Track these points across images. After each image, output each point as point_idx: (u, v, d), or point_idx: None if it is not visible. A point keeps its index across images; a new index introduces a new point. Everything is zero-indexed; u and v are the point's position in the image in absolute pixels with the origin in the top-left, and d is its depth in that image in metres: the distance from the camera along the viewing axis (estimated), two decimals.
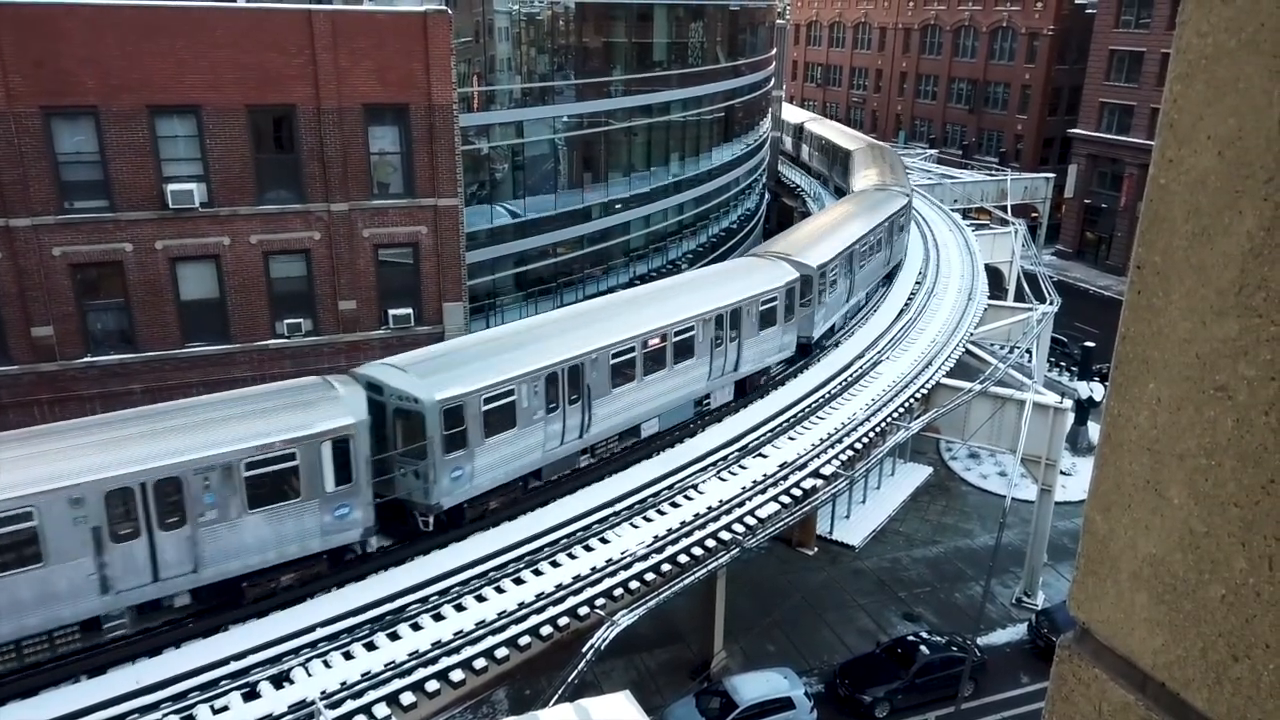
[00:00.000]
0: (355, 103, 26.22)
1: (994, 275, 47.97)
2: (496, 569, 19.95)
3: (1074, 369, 48.40)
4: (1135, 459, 1.59)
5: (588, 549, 20.93)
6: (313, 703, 15.97)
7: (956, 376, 32.01)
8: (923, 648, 27.27)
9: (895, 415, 28.45)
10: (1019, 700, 27.28)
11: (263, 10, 26.76)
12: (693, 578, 20.90)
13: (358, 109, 26.32)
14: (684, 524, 21.92)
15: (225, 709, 15.91)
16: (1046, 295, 42.41)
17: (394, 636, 17.86)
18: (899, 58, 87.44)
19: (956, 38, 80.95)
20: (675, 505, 22.82)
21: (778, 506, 23.20)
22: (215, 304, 26.25)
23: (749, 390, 28.78)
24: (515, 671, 18.40)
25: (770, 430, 26.61)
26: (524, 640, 18.15)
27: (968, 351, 34.79)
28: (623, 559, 20.49)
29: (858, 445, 26.53)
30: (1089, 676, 1.66)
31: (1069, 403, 31.98)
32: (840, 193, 53.63)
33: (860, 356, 32.20)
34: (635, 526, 21.87)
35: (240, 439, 17.73)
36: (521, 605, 18.85)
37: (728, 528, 22.07)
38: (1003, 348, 37.48)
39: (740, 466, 24.74)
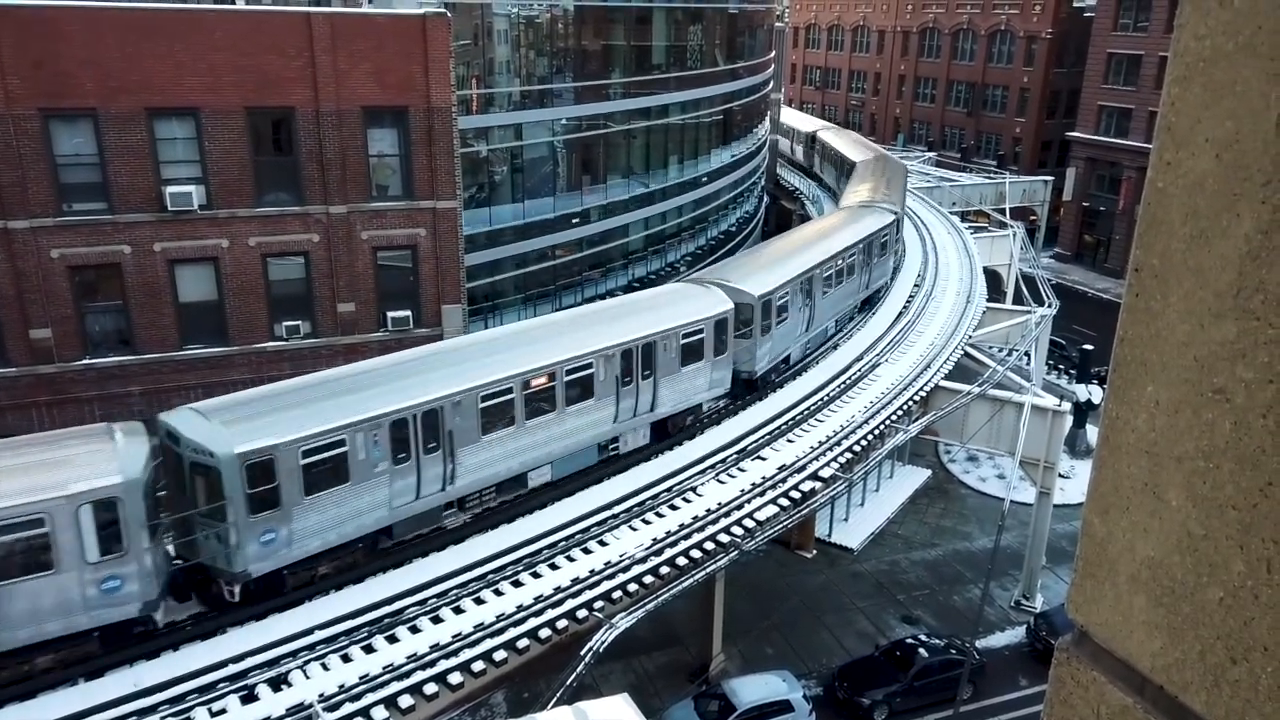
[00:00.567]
0: (354, 105, 26.22)
1: (992, 278, 48.00)
2: (494, 572, 19.93)
3: (1072, 372, 48.43)
4: (1133, 461, 1.59)
5: (586, 552, 20.91)
6: (311, 705, 15.95)
7: (955, 379, 32.02)
8: (921, 650, 27.26)
9: (893, 418, 28.45)
10: (1018, 703, 27.27)
11: (261, 12, 26.78)
12: (691, 580, 20.88)
13: (356, 111, 26.32)
14: (682, 527, 21.90)
15: (223, 712, 15.89)
16: (1045, 298, 42.43)
17: (392, 639, 17.83)
18: (897, 60, 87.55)
19: (955, 40, 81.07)
20: (674, 508, 22.80)
21: (776, 509, 23.19)
22: (213, 306, 26.23)
23: (672, 432, 25.86)
24: (513, 674, 18.38)
25: (768, 433, 26.60)
26: (522, 643, 18.13)
27: (966, 354, 34.81)
28: (621, 562, 20.47)
29: (856, 448, 26.52)
30: (1087, 679, 1.66)
31: (1067, 405, 31.99)
32: None
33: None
34: (634, 529, 21.85)
35: None
36: (520, 608, 18.83)
37: (726, 530, 22.06)
38: (1001, 350, 37.52)
39: (739, 469, 24.73)
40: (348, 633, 17.82)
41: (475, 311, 32.55)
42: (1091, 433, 40.82)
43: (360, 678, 16.73)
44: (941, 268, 44.18)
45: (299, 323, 26.99)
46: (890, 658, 27.25)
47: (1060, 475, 32.98)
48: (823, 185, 62.53)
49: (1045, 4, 73.04)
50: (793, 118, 76.18)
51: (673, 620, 27.84)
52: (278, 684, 16.54)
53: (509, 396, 21.39)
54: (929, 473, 39.72)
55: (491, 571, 19.94)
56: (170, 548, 17.94)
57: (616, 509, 22.61)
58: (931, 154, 78.21)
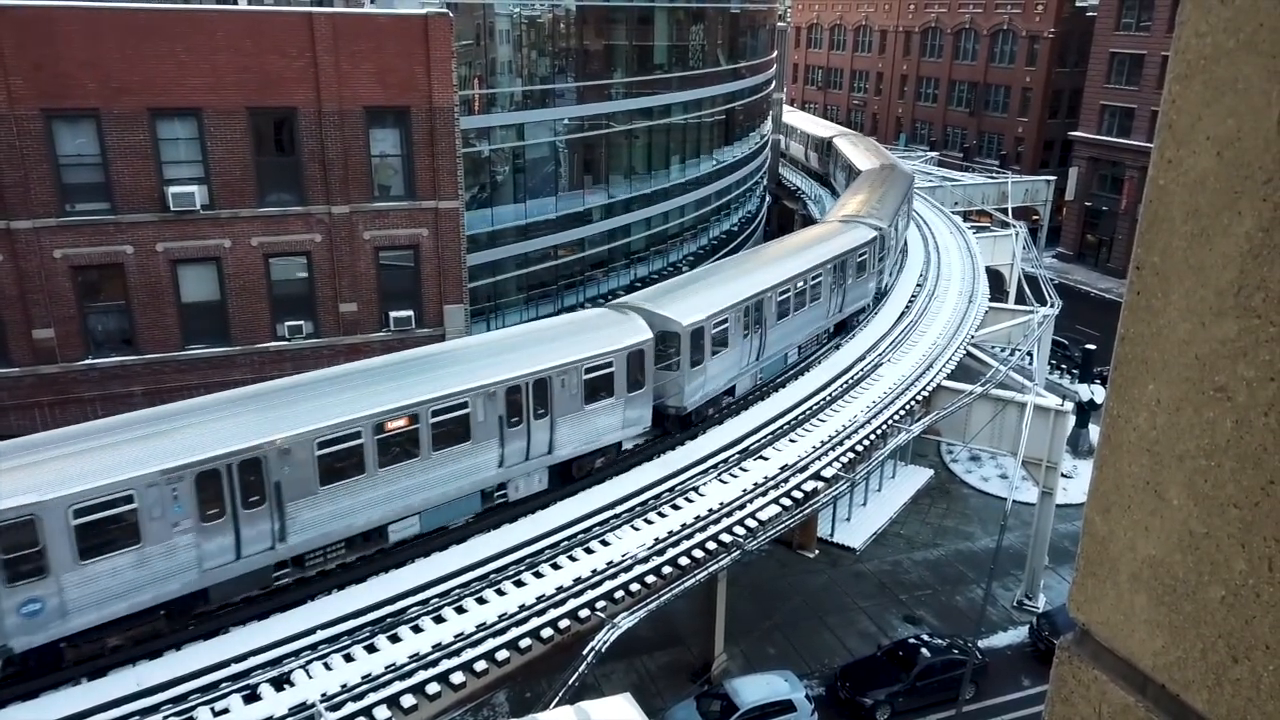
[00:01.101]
0: (356, 105, 26.24)
1: (995, 278, 47.96)
2: (497, 571, 19.94)
3: (1075, 372, 48.39)
4: (1135, 460, 1.58)
5: (589, 551, 20.91)
6: (313, 705, 15.97)
7: (958, 379, 32.01)
8: (924, 650, 27.25)
9: (895, 418, 28.44)
10: (1020, 703, 27.25)
11: (263, 13, 26.80)
12: (693, 580, 20.88)
13: (359, 111, 26.34)
14: (684, 526, 21.90)
15: (226, 711, 15.90)
16: (1047, 298, 42.40)
17: (394, 639, 17.85)
18: (900, 60, 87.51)
19: (957, 40, 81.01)
20: (676, 508, 22.80)
21: (778, 509, 23.18)
22: (216, 306, 26.26)
23: (578, 476, 23.42)
24: (516, 674, 18.39)
25: (771, 433, 26.59)
26: (524, 643, 18.13)
27: (969, 354, 34.79)
28: (623, 561, 20.47)
29: (858, 448, 26.50)
30: (1089, 678, 1.66)
31: (1070, 405, 31.98)
32: None
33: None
34: (636, 529, 21.85)
35: None
36: (522, 608, 18.83)
37: (728, 530, 22.06)
38: (1004, 350, 37.49)
39: (741, 469, 24.72)
40: (350, 632, 17.84)
41: (477, 312, 32.57)
42: (1094, 433, 40.79)
43: (363, 677, 16.75)
44: (944, 267, 44.16)
45: (301, 323, 27.02)
46: (892, 658, 27.24)
47: (1063, 475, 32.96)
48: (836, 195, 58.53)
49: (1047, 4, 72.97)
50: (806, 122, 72.50)
51: (675, 620, 27.85)
52: (280, 683, 16.56)
53: (356, 442, 18.75)
54: (931, 473, 39.70)
55: (494, 571, 19.95)
56: None
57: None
58: (934, 154, 78.14)
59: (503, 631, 18.19)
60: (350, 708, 16.10)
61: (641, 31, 40.68)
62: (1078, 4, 72.47)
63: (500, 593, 19.33)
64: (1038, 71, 73.62)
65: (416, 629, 18.17)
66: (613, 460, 24.15)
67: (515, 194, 36.09)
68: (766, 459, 25.24)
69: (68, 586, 15.71)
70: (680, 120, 43.37)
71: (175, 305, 25.75)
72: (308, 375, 20.79)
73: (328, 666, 17.03)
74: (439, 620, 18.43)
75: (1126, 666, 1.61)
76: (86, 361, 25.09)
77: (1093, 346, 46.44)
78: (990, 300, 40.37)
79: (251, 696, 16.25)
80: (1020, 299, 46.74)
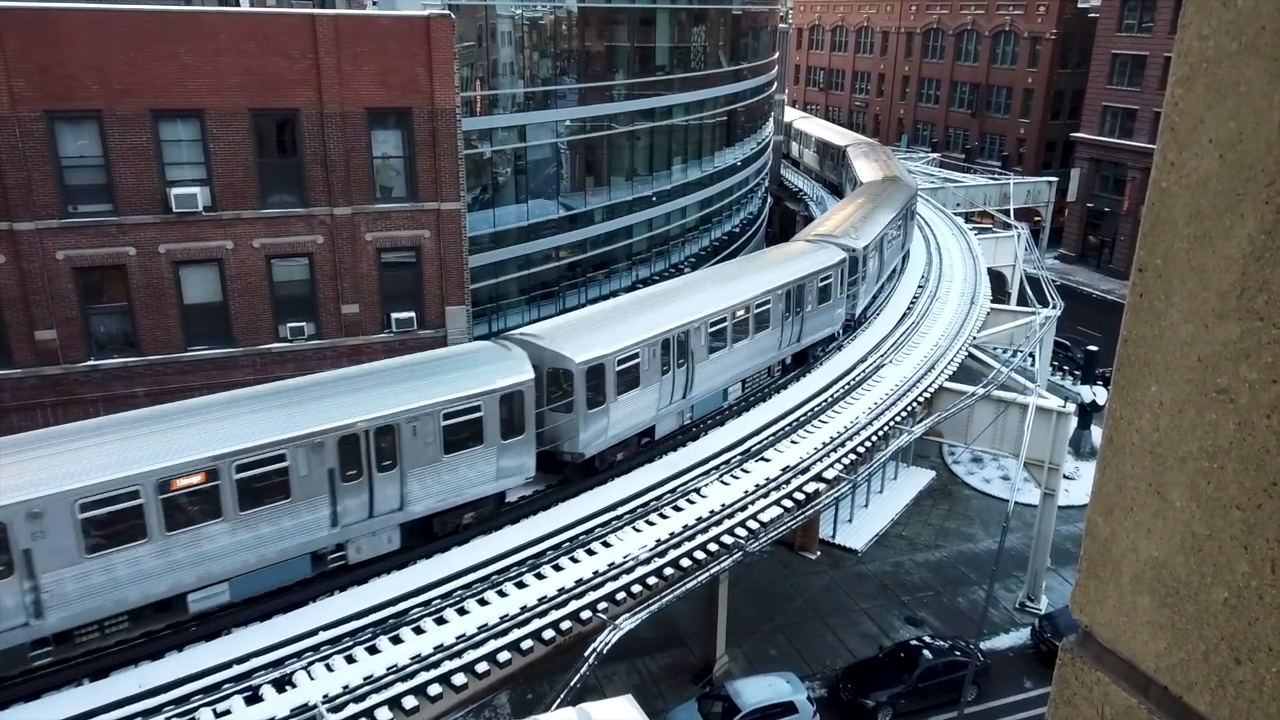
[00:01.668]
0: (358, 107, 26.27)
1: (997, 279, 47.93)
2: (499, 573, 19.94)
3: (1077, 373, 48.36)
4: (1137, 462, 1.58)
5: (590, 553, 20.91)
6: (315, 706, 15.97)
7: (959, 380, 31.99)
8: (925, 652, 27.23)
9: (897, 420, 28.43)
10: (1022, 705, 27.21)
11: (266, 15, 26.85)
12: (695, 582, 20.87)
13: (360, 113, 26.37)
14: (686, 528, 21.90)
15: (227, 713, 15.91)
16: (1049, 299, 42.38)
17: (396, 640, 17.85)
18: (901, 62, 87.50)
19: (959, 41, 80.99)
20: (677, 509, 22.80)
21: (780, 510, 23.18)
22: (218, 308, 26.28)
23: (440, 533, 20.80)
24: (517, 675, 18.38)
25: (772, 435, 26.58)
26: (526, 644, 18.14)
27: (971, 355, 34.77)
28: (625, 563, 20.47)
29: (860, 449, 26.49)
30: (1091, 680, 1.66)
31: (1072, 407, 31.95)
32: None
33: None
34: (637, 530, 21.85)
35: None
36: (524, 609, 18.83)
37: (730, 532, 22.05)
38: (1006, 352, 37.46)
39: (743, 470, 24.71)
40: (352, 634, 17.85)
41: (479, 313, 32.58)
42: (1096, 434, 40.75)
43: (364, 679, 16.75)
44: (946, 269, 44.15)
45: (303, 324, 27.03)
46: (894, 659, 27.21)
47: (1065, 476, 32.95)
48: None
49: (1049, 5, 72.95)
50: (822, 129, 68.01)
51: (676, 621, 27.84)
52: (282, 685, 16.57)
53: (135, 503, 16.27)
54: (933, 474, 39.67)
55: (496, 573, 19.95)
56: None
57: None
58: (935, 155, 78.13)
59: (504, 633, 18.19)
60: (352, 709, 16.11)
61: (643, 33, 40.70)
62: (1079, 5, 72.46)
63: (502, 594, 19.34)
64: (1039, 73, 73.60)
65: (418, 630, 18.18)
66: (491, 514, 21.48)
67: (517, 195, 36.11)
68: (768, 460, 25.23)
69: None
70: (682, 122, 43.37)
71: (177, 307, 25.78)
72: (74, 425, 17.82)
73: (329, 668, 17.04)
74: (441, 622, 18.44)
75: (1129, 668, 1.61)
76: (89, 363, 25.12)
77: (1095, 348, 46.41)
78: (992, 301, 40.35)
79: (253, 698, 16.26)
80: (1022, 300, 46.70)
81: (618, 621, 18.89)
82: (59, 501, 15.55)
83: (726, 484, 24.00)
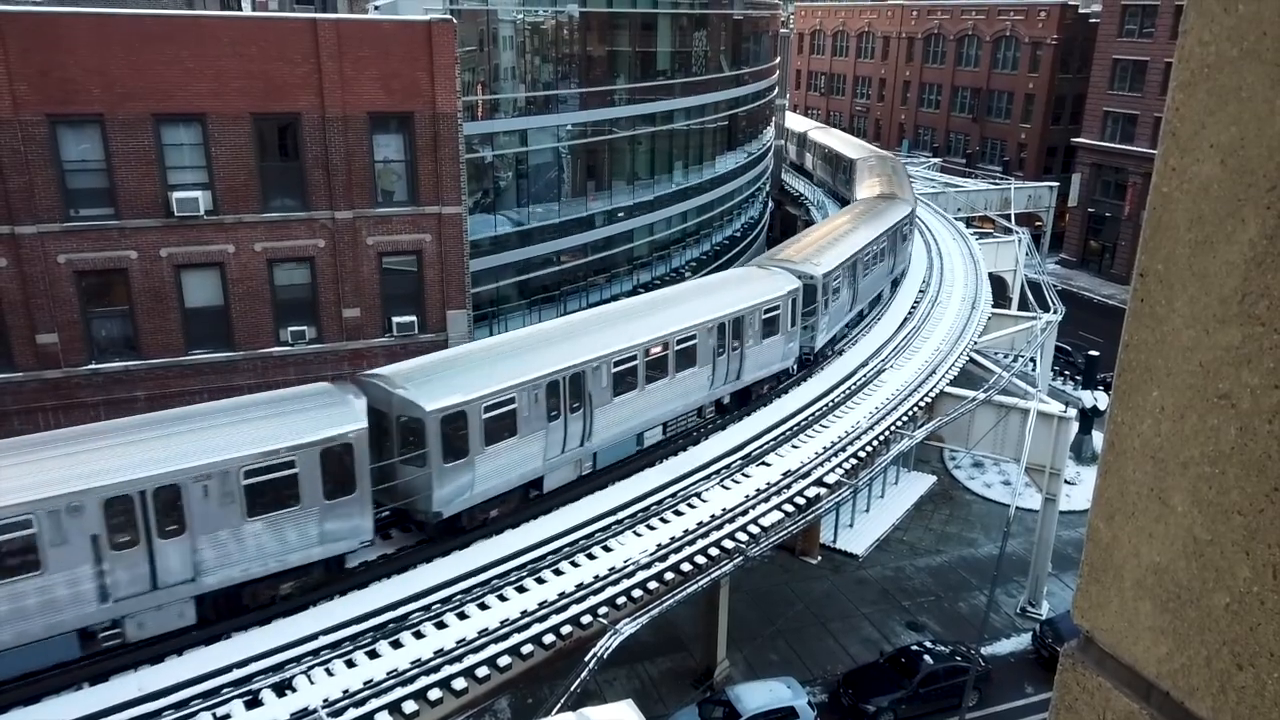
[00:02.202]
0: (360, 111, 26.31)
1: (998, 284, 47.94)
2: (499, 577, 19.92)
3: (1078, 378, 48.36)
4: (1139, 467, 1.58)
5: (590, 557, 20.90)
6: (315, 711, 15.95)
7: (960, 385, 31.97)
8: (926, 657, 27.18)
9: (898, 424, 28.41)
10: (1023, 711, 27.17)
11: (268, 19, 26.92)
12: (695, 586, 20.85)
13: (362, 117, 26.41)
14: (687, 532, 21.88)
15: (227, 717, 15.89)
16: (1050, 304, 42.39)
17: (396, 644, 17.83)
18: (902, 66, 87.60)
19: (960, 46, 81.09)
20: (678, 514, 22.78)
21: (781, 515, 23.16)
22: (219, 311, 26.30)
23: (250, 605, 18.29)
24: (518, 680, 18.36)
25: (773, 439, 26.56)
26: (526, 648, 18.11)
27: (972, 360, 34.76)
28: (625, 567, 20.45)
29: (861, 454, 26.47)
30: (1093, 685, 1.66)
31: (1073, 412, 31.94)
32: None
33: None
34: (638, 535, 21.83)
35: None
36: (524, 613, 18.81)
37: (731, 536, 22.03)
38: (1007, 356, 37.45)
39: (744, 475, 24.69)
40: (352, 638, 17.82)
41: (480, 317, 32.61)
42: (1097, 439, 40.73)
43: (365, 683, 16.73)
44: (947, 273, 44.18)
45: (304, 328, 27.05)
46: (895, 664, 27.17)
47: (1066, 481, 32.92)
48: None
49: (1050, 10, 73.06)
50: (834, 140, 64.64)
51: (677, 626, 27.81)
52: (282, 689, 16.55)
53: None
54: (934, 479, 39.64)
55: (496, 577, 19.93)
56: None
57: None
58: (936, 160, 78.20)
59: (505, 637, 18.17)
60: (352, 713, 16.09)
61: (644, 37, 40.76)
62: (1080, 10, 72.56)
63: (502, 598, 19.32)
64: (1040, 78, 73.67)
65: (419, 635, 18.15)
66: (322, 582, 18.93)
67: (518, 199, 36.16)
68: (769, 465, 25.21)
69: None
70: (683, 126, 43.42)
71: (178, 310, 25.80)
72: None
73: (330, 672, 17.02)
74: (441, 626, 18.42)
75: (1130, 673, 1.61)
76: (90, 366, 25.13)
77: (1096, 353, 46.39)
78: (993, 306, 40.36)
79: (253, 702, 16.24)
80: (1023, 305, 46.71)
81: (618, 626, 18.87)
82: None
83: (727, 488, 23.95)
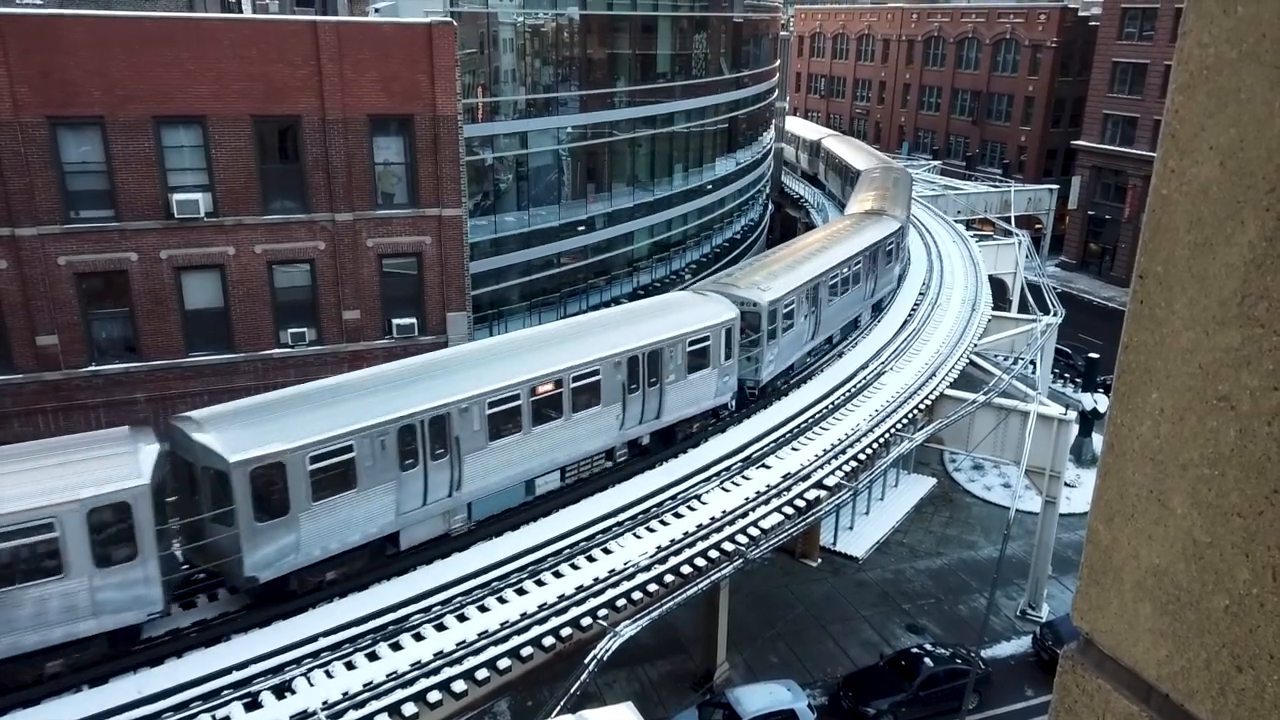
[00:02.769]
0: (360, 113, 26.32)
1: (998, 286, 47.93)
2: (499, 579, 19.92)
3: (1078, 381, 48.35)
4: (1138, 469, 1.58)
5: (590, 559, 20.89)
6: (314, 713, 15.93)
7: (961, 388, 31.97)
8: (927, 660, 27.17)
9: (898, 427, 28.40)
10: (1024, 714, 27.15)
11: (268, 21, 26.93)
12: (695, 589, 20.84)
13: (362, 119, 26.42)
14: (687, 535, 21.87)
15: (227, 719, 15.88)
16: (1050, 306, 42.39)
17: (396, 647, 17.82)
18: (902, 69, 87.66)
19: (960, 49, 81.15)
20: (678, 516, 22.77)
21: (781, 517, 23.15)
22: (219, 314, 26.30)
23: (10, 687, 16.01)
24: (517, 682, 18.35)
25: (773, 441, 26.55)
26: (526, 651, 18.11)
27: (972, 363, 34.76)
28: (625, 569, 20.44)
29: (861, 456, 26.46)
30: (1093, 687, 1.66)
31: (1073, 414, 31.94)
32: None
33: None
34: (638, 537, 21.82)
35: None
36: (524, 615, 18.80)
37: (731, 539, 22.02)
38: (1007, 359, 37.45)
39: (744, 477, 24.68)
40: (352, 640, 17.81)
41: (480, 319, 32.62)
42: (1097, 441, 40.71)
43: (364, 685, 16.72)
44: (947, 275, 44.19)
45: (304, 330, 27.06)
46: (895, 667, 27.15)
47: (1066, 484, 32.91)
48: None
49: (1050, 13, 73.15)
50: (846, 149, 62.22)
51: (677, 628, 27.79)
52: (281, 691, 16.53)
53: None
54: (934, 481, 39.64)
55: (497, 579, 19.92)
56: None
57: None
58: (936, 162, 78.26)
59: (505, 639, 18.16)
60: (352, 715, 16.08)
61: (644, 40, 40.80)
62: (1080, 13, 72.64)
63: (502, 600, 19.31)
64: (1040, 80, 73.73)
65: (418, 636, 18.14)
66: (101, 658, 16.66)
67: (518, 202, 36.18)
68: (769, 467, 25.21)
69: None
70: (683, 129, 43.46)
71: (179, 312, 25.80)
72: None
73: (329, 674, 17.01)
74: (441, 628, 18.41)
75: (1130, 675, 1.61)
76: (90, 368, 25.13)
77: (1096, 355, 46.38)
78: (993, 309, 40.36)
79: (253, 704, 16.22)
80: (1023, 308, 46.71)
81: (618, 628, 18.86)
82: None
83: (727, 490, 23.94)
